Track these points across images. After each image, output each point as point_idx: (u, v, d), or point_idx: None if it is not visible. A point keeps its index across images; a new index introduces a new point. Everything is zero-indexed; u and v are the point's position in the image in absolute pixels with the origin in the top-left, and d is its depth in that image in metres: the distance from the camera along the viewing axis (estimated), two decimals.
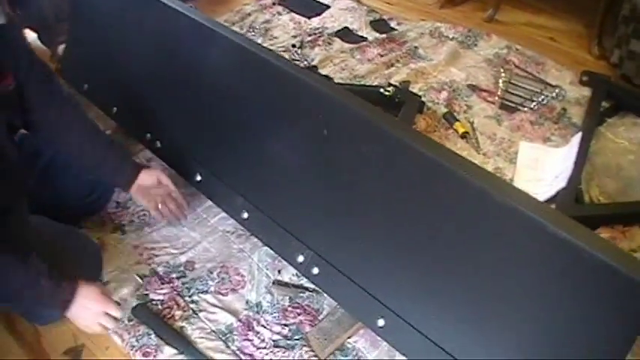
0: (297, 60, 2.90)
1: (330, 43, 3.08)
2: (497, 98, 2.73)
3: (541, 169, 2.35)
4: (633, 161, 2.28)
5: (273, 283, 1.89)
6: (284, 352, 1.71)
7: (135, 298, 1.83)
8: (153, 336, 1.72)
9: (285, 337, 1.75)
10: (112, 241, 1.99)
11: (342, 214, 1.71)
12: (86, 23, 2.38)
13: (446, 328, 1.54)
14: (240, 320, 1.79)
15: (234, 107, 1.89)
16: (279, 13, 3.31)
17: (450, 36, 3.16)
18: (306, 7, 3.35)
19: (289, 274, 1.91)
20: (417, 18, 3.38)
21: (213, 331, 1.75)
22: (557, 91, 2.77)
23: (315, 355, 1.71)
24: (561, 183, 2.21)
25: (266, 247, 1.95)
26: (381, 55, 3.00)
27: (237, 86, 1.87)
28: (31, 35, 2.70)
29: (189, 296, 1.84)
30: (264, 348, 1.72)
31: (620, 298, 1.15)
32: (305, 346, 1.73)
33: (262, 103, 1.79)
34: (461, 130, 2.50)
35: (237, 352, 1.71)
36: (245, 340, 1.74)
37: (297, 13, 3.30)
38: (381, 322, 1.64)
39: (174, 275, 1.90)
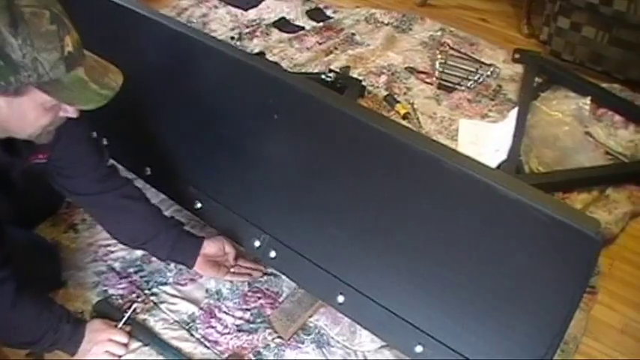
0: None
1: (268, 34, 3.10)
2: (435, 79, 2.80)
3: (482, 144, 2.43)
4: (568, 131, 2.38)
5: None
6: (248, 336, 1.74)
7: (95, 295, 1.82)
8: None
9: (248, 321, 1.78)
10: (66, 241, 1.97)
11: (294, 196, 1.74)
12: None
13: (404, 298, 1.59)
14: (201, 309, 1.80)
15: (183, 95, 1.88)
16: (216, 7, 3.31)
17: (386, 21, 3.23)
18: None
19: None
20: (351, 5, 3.43)
21: (176, 321, 1.77)
22: (491, 69, 2.86)
23: (279, 336, 1.74)
24: (502, 156, 2.29)
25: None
26: (320, 43, 3.04)
27: (183, 74, 1.86)
28: None
29: (149, 289, 1.85)
30: (228, 333, 1.75)
31: (570, 250, 1.21)
32: (268, 328, 1.76)
33: (211, 89, 1.79)
34: (402, 112, 2.56)
35: (202, 339, 1.73)
36: (208, 327, 1.76)
37: (234, 6, 3.30)
38: (340, 299, 1.69)
39: (131, 270, 1.90)
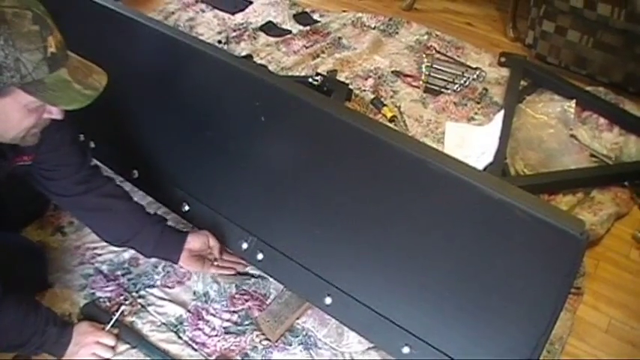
0: None
1: (255, 38, 3.11)
2: (421, 82, 2.82)
3: (468, 146, 2.44)
4: (553, 134, 2.40)
5: None
6: (235, 338, 1.74)
7: (82, 297, 1.82)
8: None
9: (235, 323, 1.78)
10: (53, 244, 1.97)
11: (282, 198, 1.74)
12: None
13: (391, 300, 1.60)
14: (189, 311, 1.81)
15: (170, 97, 1.88)
16: (203, 11, 3.31)
17: (372, 25, 3.24)
18: (228, 3, 3.36)
19: None
20: (338, 9, 3.44)
21: (164, 324, 1.77)
22: (477, 72, 2.88)
23: (267, 338, 1.74)
24: (488, 158, 2.31)
25: None
26: (306, 47, 3.05)
27: (171, 77, 1.86)
28: None
29: (137, 291, 1.85)
30: (216, 336, 1.75)
31: (555, 251, 1.22)
32: (256, 330, 1.76)
33: (198, 92, 1.79)
34: (389, 115, 2.58)
35: (190, 341, 1.73)
36: (196, 329, 1.76)
37: (221, 10, 3.31)
38: (328, 300, 1.70)
39: (119, 272, 1.90)
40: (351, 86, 2.71)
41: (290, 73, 2.83)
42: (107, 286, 1.86)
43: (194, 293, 1.86)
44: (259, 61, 2.90)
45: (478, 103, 2.72)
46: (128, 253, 1.94)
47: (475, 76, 2.86)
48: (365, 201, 1.55)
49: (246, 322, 1.78)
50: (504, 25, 3.29)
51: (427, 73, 2.86)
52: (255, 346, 1.72)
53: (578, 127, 2.52)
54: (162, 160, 1.97)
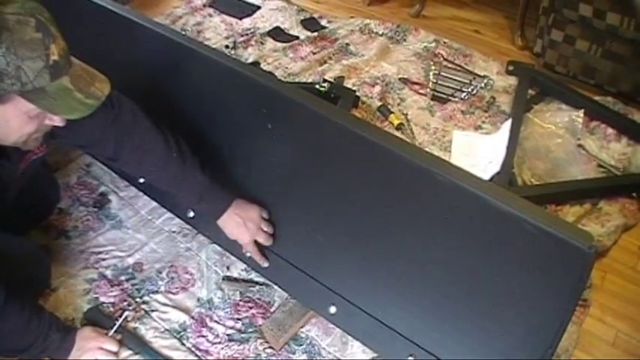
0: None
1: (262, 43, 3.11)
2: (428, 90, 2.81)
3: (475, 155, 2.43)
4: (560, 144, 2.39)
5: (223, 279, 1.90)
6: (239, 346, 1.73)
7: (85, 302, 1.81)
8: None
9: (239, 330, 1.77)
10: (57, 248, 1.96)
11: (286, 205, 1.74)
12: None
13: (396, 309, 1.59)
14: (192, 317, 1.80)
15: (176, 103, 1.87)
16: (210, 15, 3.32)
17: (380, 32, 3.24)
18: (236, 8, 3.37)
19: (238, 270, 1.93)
20: (346, 15, 3.44)
21: (167, 330, 1.76)
22: (485, 81, 2.87)
23: (270, 347, 1.73)
24: (495, 168, 2.29)
25: (213, 245, 1.97)
26: (314, 53, 3.04)
27: (177, 82, 1.86)
28: None
29: (140, 297, 1.84)
30: (219, 343, 1.74)
31: (563, 264, 1.21)
32: (259, 338, 1.75)
33: (205, 97, 1.79)
34: (396, 122, 2.57)
35: (193, 348, 1.72)
36: (199, 336, 1.75)
37: (228, 15, 3.31)
38: (332, 310, 1.69)
39: (123, 277, 1.89)
40: (358, 93, 2.70)
41: (297, 80, 2.82)
42: (111, 291, 1.85)
43: (198, 300, 1.85)
44: (266, 67, 2.89)
45: (485, 111, 2.71)
46: (132, 259, 1.94)
47: (483, 85, 2.85)
48: (370, 210, 1.54)
49: (250, 330, 1.77)
50: (512, 33, 3.28)
51: (434, 80, 2.85)
52: (259, 355, 1.71)
53: (586, 137, 2.51)
54: None
